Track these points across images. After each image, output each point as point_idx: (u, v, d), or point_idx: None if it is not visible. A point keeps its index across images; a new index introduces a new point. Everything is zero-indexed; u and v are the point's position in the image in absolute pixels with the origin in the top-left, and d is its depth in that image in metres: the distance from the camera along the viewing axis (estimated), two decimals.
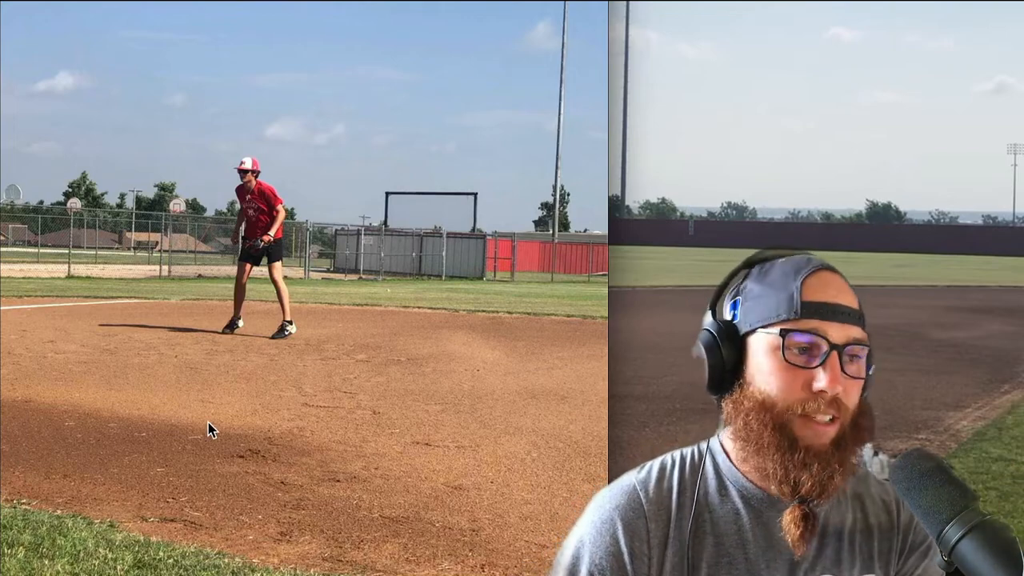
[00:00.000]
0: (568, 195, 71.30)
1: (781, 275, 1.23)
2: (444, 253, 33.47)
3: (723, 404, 1.25)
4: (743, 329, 1.23)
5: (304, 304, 14.55)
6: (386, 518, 3.79)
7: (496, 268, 34.56)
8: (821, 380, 1.16)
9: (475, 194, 38.82)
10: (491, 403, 6.52)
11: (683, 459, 1.27)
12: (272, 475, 4.36)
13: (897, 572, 1.29)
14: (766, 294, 1.22)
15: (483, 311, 15.08)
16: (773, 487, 1.20)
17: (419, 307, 15.53)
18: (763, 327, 1.21)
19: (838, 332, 1.18)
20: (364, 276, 31.55)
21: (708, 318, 1.28)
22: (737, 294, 1.26)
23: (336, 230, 39.55)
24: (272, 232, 10.08)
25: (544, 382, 7.61)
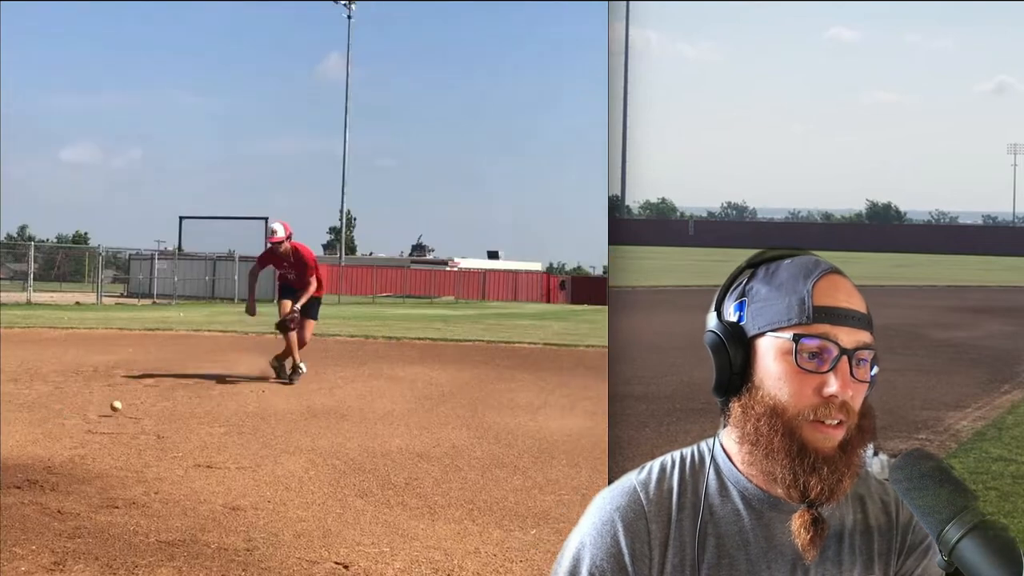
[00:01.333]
0: (355, 219, 73.17)
1: (789, 278, 1.22)
2: (237, 276, 33.12)
3: (729, 407, 1.24)
4: (751, 332, 1.22)
5: (95, 330, 14.60)
6: (162, 542, 3.83)
7: None
8: (832, 385, 1.16)
9: (266, 218, 38.62)
10: (274, 423, 6.69)
11: (683, 460, 1.27)
12: (49, 504, 4.34)
13: (897, 572, 1.29)
14: (774, 297, 1.21)
15: (274, 333, 15.16)
16: (781, 491, 1.20)
17: (210, 330, 15.57)
18: (773, 331, 1.20)
19: (848, 336, 1.17)
20: (158, 300, 31.29)
21: (712, 319, 1.26)
22: (742, 295, 1.25)
23: (130, 255, 38.85)
24: (300, 303, 9.33)
25: (325, 401, 7.85)
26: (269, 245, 9.19)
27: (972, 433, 5.81)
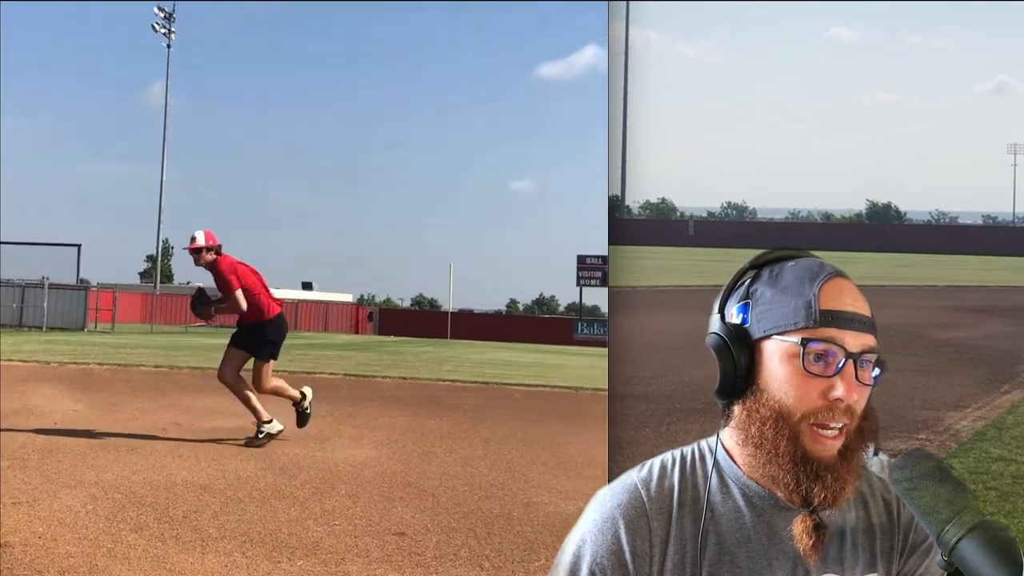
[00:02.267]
0: (172, 248, 72.52)
1: (795, 281, 1.22)
2: (46, 304, 32.50)
3: (732, 408, 1.24)
4: (756, 334, 1.22)
5: None
6: None
7: (98, 319, 34.25)
8: (839, 389, 1.16)
9: (79, 245, 37.38)
10: (60, 457, 6.57)
11: (683, 457, 1.27)
12: None
13: (899, 571, 1.29)
14: (780, 300, 1.21)
15: (76, 363, 15.08)
16: (782, 495, 1.20)
17: (10, 360, 15.16)
18: (779, 334, 1.20)
19: (854, 340, 1.17)
20: None
21: (716, 321, 1.26)
22: (746, 297, 1.24)
23: None
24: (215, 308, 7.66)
25: (118, 433, 7.73)
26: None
27: (972, 433, 5.81)
